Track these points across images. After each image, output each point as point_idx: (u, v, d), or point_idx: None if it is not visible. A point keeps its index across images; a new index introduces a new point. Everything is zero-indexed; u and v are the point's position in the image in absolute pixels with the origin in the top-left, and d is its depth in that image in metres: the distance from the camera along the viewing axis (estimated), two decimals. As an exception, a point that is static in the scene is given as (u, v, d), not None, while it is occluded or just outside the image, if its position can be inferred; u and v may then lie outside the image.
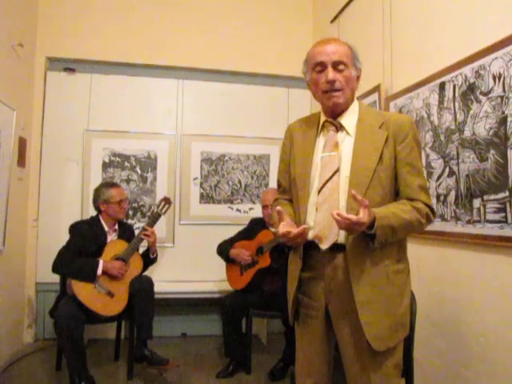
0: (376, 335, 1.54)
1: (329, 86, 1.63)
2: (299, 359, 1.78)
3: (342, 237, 1.59)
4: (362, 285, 1.55)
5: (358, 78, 1.70)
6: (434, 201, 2.39)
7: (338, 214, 1.41)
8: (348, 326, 1.60)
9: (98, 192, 3.28)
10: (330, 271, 1.63)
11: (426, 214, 1.59)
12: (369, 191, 1.56)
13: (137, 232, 3.38)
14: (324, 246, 1.62)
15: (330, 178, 1.62)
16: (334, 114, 1.70)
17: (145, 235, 3.28)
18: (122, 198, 3.28)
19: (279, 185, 1.91)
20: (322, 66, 1.64)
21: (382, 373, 1.58)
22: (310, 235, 1.63)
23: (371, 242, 1.51)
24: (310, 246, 1.66)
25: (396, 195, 1.65)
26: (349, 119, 1.68)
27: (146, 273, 3.36)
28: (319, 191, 1.63)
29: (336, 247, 1.60)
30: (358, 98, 1.77)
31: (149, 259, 3.39)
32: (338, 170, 1.61)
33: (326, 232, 1.60)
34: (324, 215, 1.59)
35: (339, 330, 1.64)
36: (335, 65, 1.62)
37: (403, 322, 1.61)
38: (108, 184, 3.37)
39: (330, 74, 1.62)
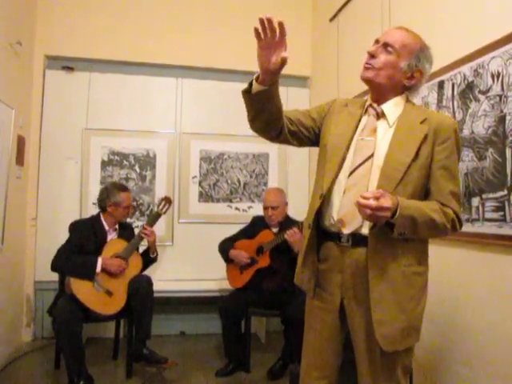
0: (386, 335, 1.50)
1: (367, 57, 1.63)
2: (307, 352, 1.75)
3: (365, 228, 1.55)
4: (380, 282, 1.51)
5: (411, 76, 1.62)
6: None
7: (362, 197, 1.38)
8: (363, 322, 1.57)
9: (108, 192, 3.26)
10: (350, 265, 1.59)
11: (451, 220, 1.53)
12: (399, 187, 1.51)
13: (137, 231, 3.39)
14: (346, 230, 1.59)
15: (363, 162, 1.59)
16: (376, 98, 1.66)
17: (144, 234, 3.28)
18: (130, 203, 3.34)
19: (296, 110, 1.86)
20: (376, 43, 1.65)
21: (392, 375, 1.56)
22: (335, 216, 1.61)
23: (390, 231, 1.46)
24: (330, 237, 1.64)
25: (425, 197, 1.58)
26: (392, 109, 1.63)
27: (145, 272, 3.35)
28: (350, 174, 1.60)
29: (358, 240, 1.57)
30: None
31: (149, 258, 3.39)
32: (371, 156, 1.58)
33: (349, 217, 1.57)
34: (351, 199, 1.54)
35: (353, 326, 1.61)
36: (385, 45, 1.61)
37: (416, 326, 1.57)
38: (120, 187, 3.34)
39: (374, 47, 1.63)
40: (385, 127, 1.62)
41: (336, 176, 1.64)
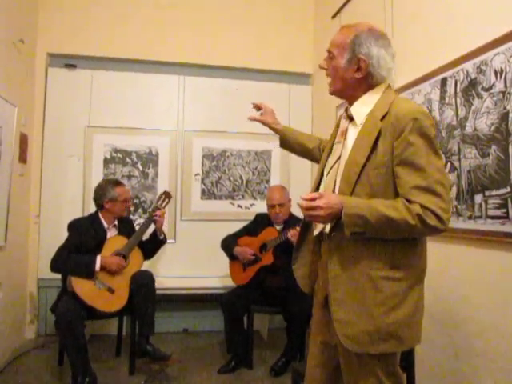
0: (348, 335, 1.48)
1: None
2: (309, 344, 1.78)
3: (327, 229, 1.57)
4: (343, 282, 1.51)
5: (358, 67, 1.57)
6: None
7: (301, 198, 1.45)
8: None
9: (103, 190, 3.26)
10: (326, 261, 1.61)
11: (417, 215, 1.40)
12: (357, 188, 1.50)
13: (137, 226, 3.42)
14: (315, 232, 1.65)
15: (332, 166, 1.63)
16: (349, 102, 1.66)
17: (157, 216, 3.33)
18: (126, 197, 3.32)
19: None
20: None
21: (370, 379, 1.52)
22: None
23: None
24: (322, 235, 1.67)
25: (397, 196, 1.49)
26: (360, 108, 1.61)
27: (147, 268, 3.36)
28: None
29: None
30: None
31: (158, 240, 3.42)
32: (338, 159, 1.61)
33: None
34: None
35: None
36: (328, 54, 1.65)
37: (395, 332, 1.46)
38: (114, 182, 3.34)
39: (321, 61, 1.68)
40: (354, 128, 1.61)
41: (319, 182, 1.72)
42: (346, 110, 1.67)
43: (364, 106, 1.60)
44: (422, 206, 1.41)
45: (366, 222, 1.42)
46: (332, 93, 1.69)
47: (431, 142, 1.47)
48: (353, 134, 1.60)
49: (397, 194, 1.48)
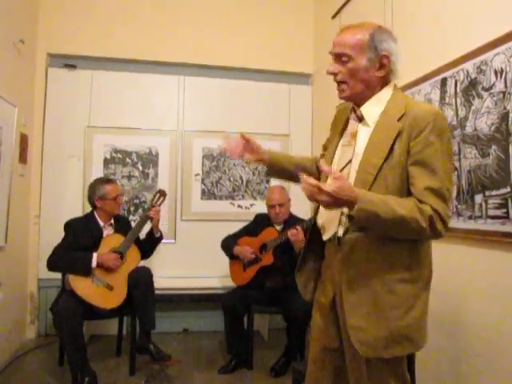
0: (363, 341, 1.46)
1: (333, 78, 1.59)
2: (310, 348, 1.76)
3: (341, 232, 1.54)
4: (355, 286, 1.48)
5: (380, 65, 1.53)
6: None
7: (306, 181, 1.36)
8: (344, 325, 1.55)
9: (93, 188, 3.27)
10: (337, 264, 1.57)
11: (428, 218, 1.38)
12: (373, 189, 1.45)
13: (133, 224, 3.45)
14: (325, 237, 1.61)
15: (343, 168, 1.57)
16: (358, 103, 1.60)
17: (153, 213, 3.31)
18: (117, 194, 3.29)
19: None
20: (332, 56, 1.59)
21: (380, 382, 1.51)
22: (319, 222, 1.64)
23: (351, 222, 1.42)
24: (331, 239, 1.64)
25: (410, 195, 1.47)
26: (371, 109, 1.56)
27: (148, 261, 3.37)
28: None
29: (342, 240, 1.55)
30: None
31: (155, 238, 3.41)
32: (349, 162, 1.56)
33: (328, 223, 1.58)
34: None
35: (342, 325, 1.59)
36: (338, 57, 1.55)
37: (407, 335, 1.46)
38: (103, 180, 3.36)
39: (329, 67, 1.57)
40: (366, 129, 1.57)
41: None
42: (354, 110, 1.62)
43: (375, 106, 1.56)
44: (432, 209, 1.40)
45: (378, 219, 1.38)
46: (347, 98, 1.59)
47: (448, 145, 1.47)
48: (364, 135, 1.55)
49: (410, 194, 1.47)
